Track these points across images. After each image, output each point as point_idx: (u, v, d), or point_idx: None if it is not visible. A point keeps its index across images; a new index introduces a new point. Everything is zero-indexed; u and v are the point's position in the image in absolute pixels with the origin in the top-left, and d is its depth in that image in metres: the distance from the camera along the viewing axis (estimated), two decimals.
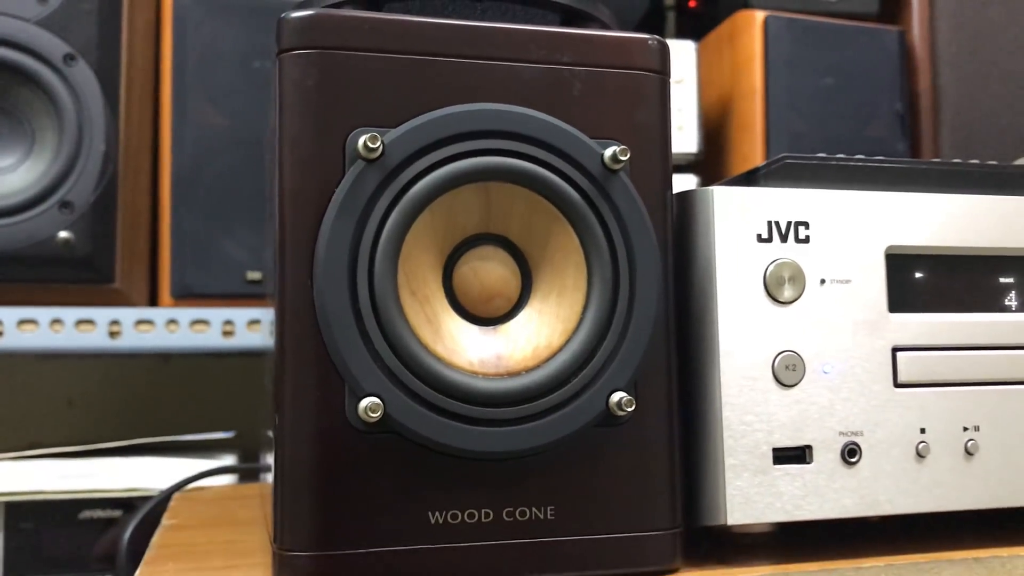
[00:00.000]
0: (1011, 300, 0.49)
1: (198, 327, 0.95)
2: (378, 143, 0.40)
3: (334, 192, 0.40)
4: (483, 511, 0.41)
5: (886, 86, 1.16)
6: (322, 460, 0.39)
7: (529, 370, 0.41)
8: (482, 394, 0.40)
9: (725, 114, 1.17)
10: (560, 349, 0.42)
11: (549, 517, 0.41)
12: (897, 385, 0.46)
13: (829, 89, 1.14)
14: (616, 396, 0.42)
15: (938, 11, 1.20)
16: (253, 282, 0.97)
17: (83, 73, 0.92)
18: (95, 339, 0.91)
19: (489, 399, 0.40)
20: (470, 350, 0.41)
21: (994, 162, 0.53)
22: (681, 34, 1.38)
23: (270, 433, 0.59)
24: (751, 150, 1.12)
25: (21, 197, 0.89)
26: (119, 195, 0.93)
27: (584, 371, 0.42)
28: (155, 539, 0.55)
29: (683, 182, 1.09)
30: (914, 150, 1.17)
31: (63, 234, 0.90)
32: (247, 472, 0.92)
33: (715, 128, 1.19)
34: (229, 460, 0.94)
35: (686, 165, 1.12)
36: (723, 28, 1.17)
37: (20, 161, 0.93)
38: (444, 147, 0.41)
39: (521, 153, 0.42)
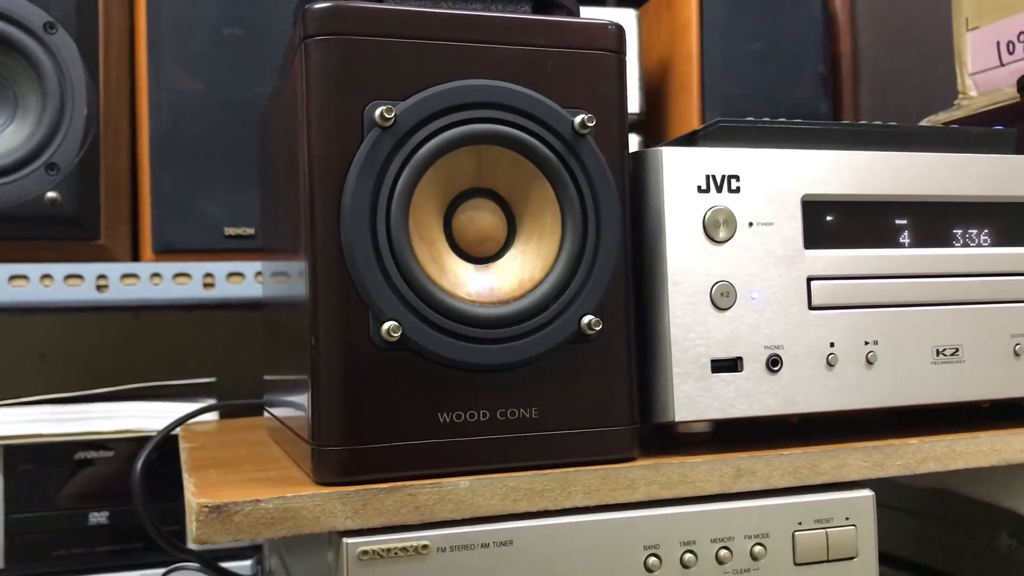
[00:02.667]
0: (904, 238, 0.60)
1: (180, 280, 1.01)
2: (392, 113, 0.48)
3: (354, 155, 0.48)
4: (481, 412, 0.50)
5: (811, 50, 1.25)
6: (351, 373, 0.48)
7: (516, 299, 0.51)
8: (479, 319, 0.50)
9: (664, 77, 1.26)
10: (540, 282, 0.51)
11: (533, 416, 0.51)
12: (811, 308, 0.57)
13: (759, 53, 1.23)
14: (586, 319, 0.51)
15: None
16: (232, 237, 1.03)
17: (63, 40, 0.97)
18: (83, 293, 0.96)
19: (484, 323, 0.50)
20: (468, 284, 0.51)
21: (894, 123, 0.64)
22: (623, 2, 1.46)
23: (272, 376, 0.67)
24: (688, 110, 1.21)
25: (9, 159, 0.93)
26: (101, 157, 0.98)
27: (560, 299, 0.51)
28: (185, 456, 0.63)
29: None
30: (836, 109, 1.28)
31: (50, 194, 0.95)
32: (229, 411, 0.99)
33: (655, 90, 1.28)
34: (211, 402, 1.01)
35: (629, 125, 1.21)
36: None
37: (4, 125, 0.97)
38: (445, 116, 0.49)
39: (506, 121, 0.51)
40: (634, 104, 1.20)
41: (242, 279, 1.02)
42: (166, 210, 1.00)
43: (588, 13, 1.19)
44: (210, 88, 1.02)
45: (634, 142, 1.19)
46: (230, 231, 1.03)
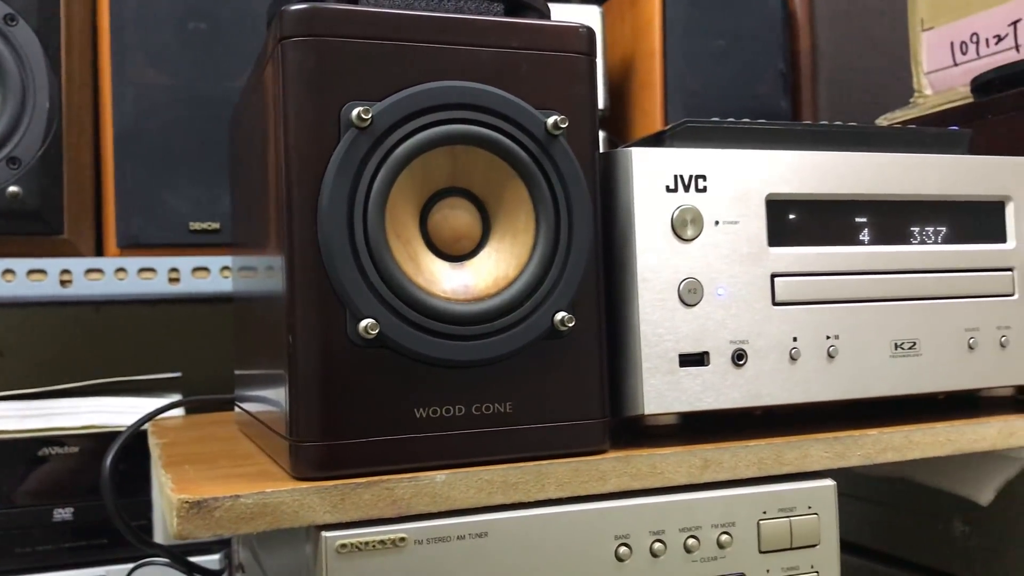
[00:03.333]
0: (864, 236, 0.62)
1: (145, 275, 1.01)
2: (369, 114, 0.49)
3: (331, 156, 0.49)
4: (456, 407, 0.51)
5: (771, 47, 1.27)
6: (328, 370, 0.49)
7: (491, 296, 0.52)
8: (455, 316, 0.51)
9: (628, 73, 1.28)
10: (515, 279, 0.52)
11: (508, 411, 0.52)
12: (775, 304, 0.58)
13: (720, 50, 1.25)
14: (559, 315, 0.53)
15: None
16: (197, 232, 1.03)
17: (24, 34, 0.96)
18: (46, 288, 0.96)
19: (460, 319, 0.51)
20: (444, 281, 0.52)
21: (854, 123, 0.66)
22: None
23: (244, 371, 0.68)
24: (652, 107, 1.23)
25: None
26: (64, 150, 0.98)
27: (534, 296, 0.52)
28: (158, 452, 0.64)
29: None
30: (795, 106, 1.30)
31: (12, 188, 0.94)
32: (197, 406, 0.99)
33: (619, 86, 1.29)
34: (177, 397, 1.01)
35: None
36: None
37: None
38: (420, 117, 0.50)
39: (481, 121, 0.51)
40: (599, 100, 1.21)
41: (207, 274, 1.02)
42: (131, 205, 1.00)
43: (553, 10, 1.20)
44: (175, 82, 1.02)
45: (599, 138, 1.21)
46: (195, 226, 1.03)
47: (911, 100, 1.14)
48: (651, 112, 1.23)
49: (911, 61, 1.15)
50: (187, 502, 0.46)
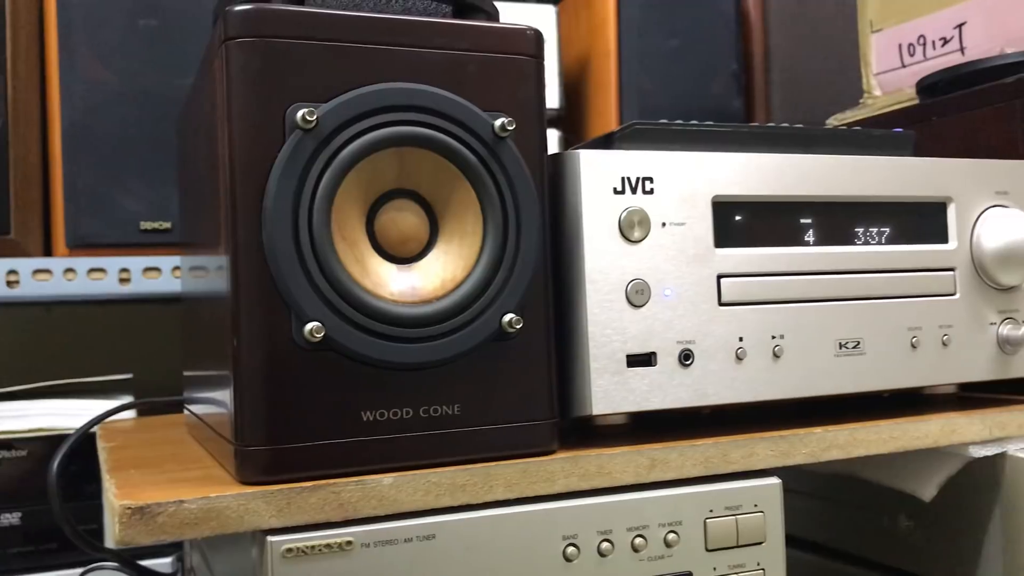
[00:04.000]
0: (809, 237, 0.63)
1: (95, 275, 1.00)
2: (314, 116, 0.49)
3: (276, 157, 0.49)
4: (404, 409, 0.51)
5: (724, 48, 1.29)
6: (273, 373, 0.49)
7: (438, 298, 0.52)
8: (402, 318, 0.51)
9: (583, 73, 1.28)
10: (462, 282, 0.52)
11: (456, 413, 0.52)
12: (721, 304, 0.59)
13: (675, 50, 1.26)
14: (507, 317, 0.53)
15: None
16: (148, 231, 1.02)
17: None
18: None
19: (407, 322, 0.51)
20: (391, 283, 0.51)
21: (800, 125, 0.66)
22: None
23: (192, 372, 0.67)
24: (606, 106, 1.23)
25: None
26: (10, 148, 0.96)
27: (482, 298, 0.52)
28: (104, 456, 0.63)
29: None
30: (748, 106, 1.32)
31: None
32: (148, 408, 0.98)
33: (574, 86, 1.30)
34: (127, 399, 1.00)
35: (548, 120, 1.22)
36: None
37: None
38: (367, 119, 0.50)
39: (428, 123, 0.51)
40: (553, 100, 1.21)
41: (159, 274, 1.01)
42: (80, 204, 0.98)
43: (508, 9, 1.20)
44: (125, 80, 1.00)
45: (554, 137, 1.21)
46: (146, 225, 1.02)
47: (861, 101, 1.16)
48: (606, 112, 1.24)
49: (861, 62, 1.17)
50: (129, 508, 0.45)
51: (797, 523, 0.84)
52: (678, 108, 1.24)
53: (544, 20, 1.21)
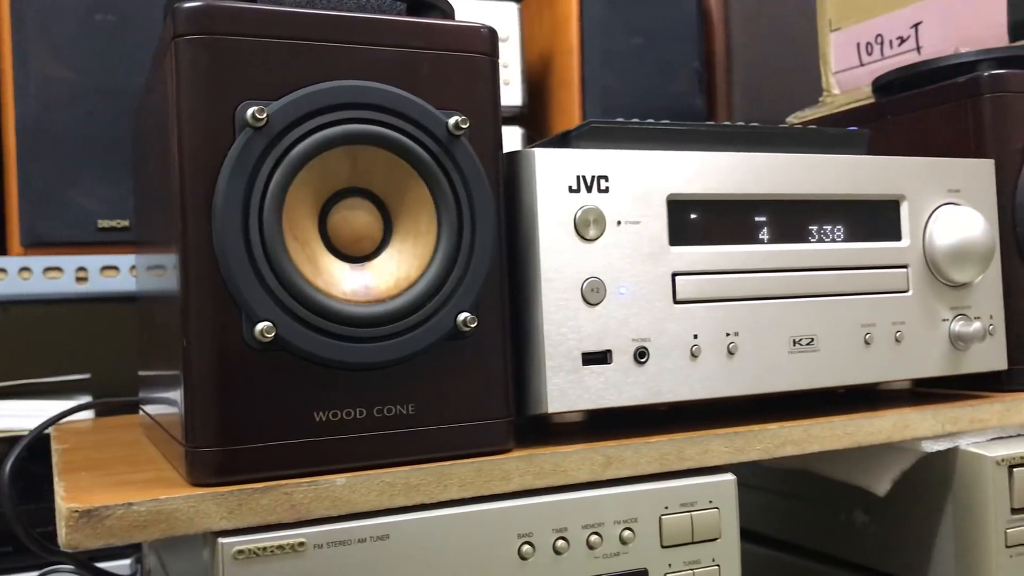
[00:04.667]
0: (763, 235, 0.63)
1: (51, 274, 0.98)
2: (264, 114, 0.48)
3: (226, 155, 0.48)
4: (357, 410, 0.51)
5: (686, 46, 1.29)
6: (224, 374, 0.48)
7: (392, 298, 0.52)
8: (355, 318, 0.50)
9: (546, 70, 1.29)
10: (416, 281, 0.52)
11: (410, 412, 0.52)
12: (676, 302, 0.59)
13: (637, 48, 1.26)
14: (462, 316, 0.53)
15: None
16: (106, 229, 1.01)
17: None
18: None
19: (360, 321, 0.50)
20: (344, 283, 0.51)
21: (756, 124, 0.67)
22: None
23: (147, 372, 0.66)
24: (569, 103, 1.24)
25: None
26: None
27: (436, 297, 0.52)
28: (56, 459, 0.62)
29: (509, 133, 1.20)
30: (710, 104, 1.32)
31: None
32: (104, 409, 0.97)
33: (537, 83, 1.30)
34: (86, 399, 0.99)
35: (512, 117, 1.23)
36: None
37: None
38: (318, 116, 0.50)
39: (381, 121, 0.51)
40: (517, 97, 1.22)
41: (117, 272, 1.00)
42: (35, 202, 0.97)
43: (471, 6, 1.20)
44: (82, 76, 0.99)
45: (517, 134, 1.21)
46: (104, 223, 1.01)
47: (820, 99, 1.17)
48: (569, 109, 1.24)
49: (820, 61, 1.18)
50: (76, 511, 0.45)
51: (755, 518, 0.85)
52: (640, 106, 1.25)
53: (507, 17, 1.21)
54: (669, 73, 1.28)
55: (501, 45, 1.19)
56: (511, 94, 1.21)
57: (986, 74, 0.73)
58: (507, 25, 1.21)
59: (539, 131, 1.29)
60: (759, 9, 1.37)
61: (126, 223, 1.01)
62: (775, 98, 1.33)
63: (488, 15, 1.19)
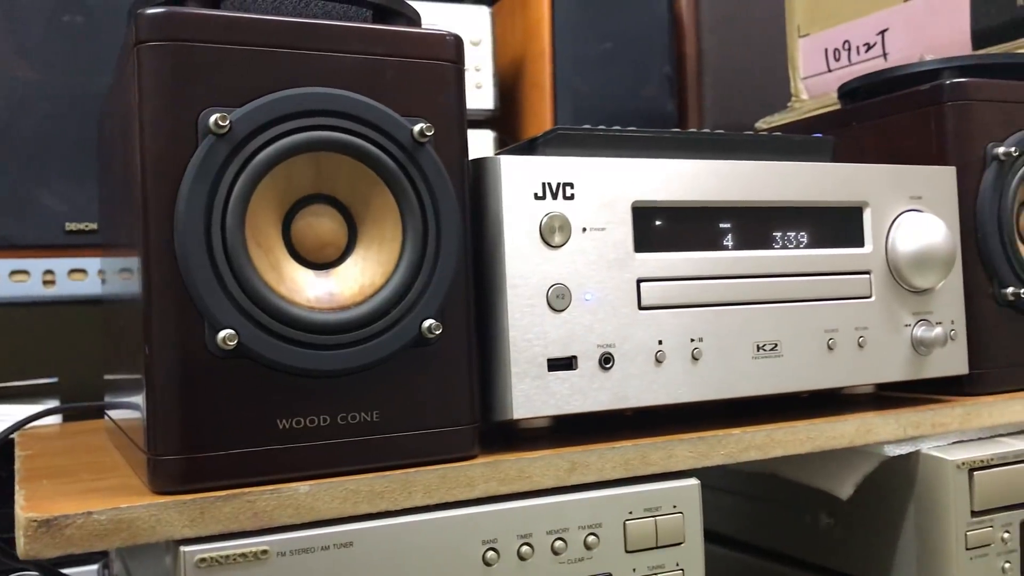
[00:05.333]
0: (727, 241, 0.64)
1: (18, 277, 0.98)
2: (227, 121, 0.48)
3: (189, 162, 0.48)
4: (321, 417, 0.51)
5: (657, 50, 1.30)
6: (186, 382, 0.48)
7: (356, 304, 0.52)
8: (318, 325, 0.50)
9: (518, 74, 1.29)
10: (381, 287, 0.52)
11: (375, 419, 0.52)
12: (641, 308, 0.60)
13: (609, 53, 1.27)
14: (426, 323, 0.53)
15: None
16: (73, 232, 1.00)
17: None
18: None
19: (324, 328, 0.50)
20: (307, 290, 0.51)
21: (721, 131, 0.67)
22: None
23: (112, 376, 0.66)
24: (541, 107, 1.24)
25: None
26: None
27: (401, 304, 0.52)
28: (18, 466, 0.61)
29: (481, 137, 1.20)
30: (681, 108, 1.33)
31: None
32: (72, 413, 0.96)
33: (510, 86, 1.30)
34: (53, 403, 0.98)
35: (484, 121, 1.23)
36: None
37: None
38: (281, 123, 0.50)
39: (345, 128, 0.51)
40: (489, 100, 1.22)
41: (84, 276, 1.00)
42: (1, 204, 0.96)
43: (443, 10, 1.20)
44: (48, 77, 0.98)
45: (489, 138, 1.21)
46: (71, 226, 1.00)
47: (788, 104, 1.18)
48: (541, 113, 1.24)
49: (789, 66, 1.19)
50: (35, 521, 0.44)
51: (722, 521, 0.86)
52: (612, 110, 1.25)
53: (479, 21, 1.21)
54: (640, 77, 1.28)
55: (473, 49, 1.20)
56: (483, 98, 1.21)
57: (948, 82, 0.74)
58: (479, 29, 1.21)
59: (511, 135, 1.29)
60: (730, 14, 1.38)
61: (94, 226, 1.00)
62: (746, 102, 1.34)
63: (460, 18, 1.19)
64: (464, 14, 1.20)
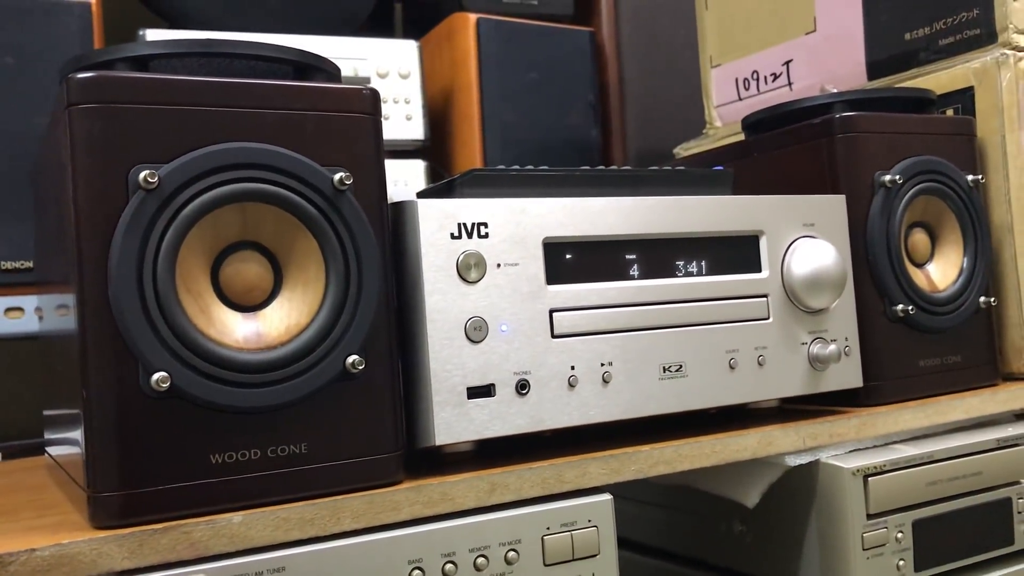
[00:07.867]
0: (633, 271, 0.68)
1: None
2: (155, 177, 0.51)
3: (120, 216, 0.51)
4: (252, 450, 0.54)
5: (581, 80, 1.35)
6: (122, 422, 0.51)
7: (283, 344, 0.55)
8: (247, 364, 0.54)
9: (447, 105, 1.33)
10: (307, 327, 0.56)
11: (303, 451, 0.55)
12: (554, 336, 0.64)
13: (534, 83, 1.32)
14: (350, 358, 0.56)
15: (621, 14, 1.41)
16: (9, 271, 1.01)
17: None
18: None
19: (253, 368, 0.54)
20: (236, 331, 0.55)
21: (627, 167, 0.72)
22: (408, 24, 1.52)
23: (52, 412, 0.68)
24: (471, 137, 1.28)
25: None
26: None
27: (325, 342, 0.56)
28: None
29: (413, 167, 1.24)
30: (605, 135, 1.38)
31: None
32: (9, 451, 0.97)
33: (439, 117, 1.34)
34: None
35: (415, 151, 1.27)
36: (442, 27, 1.32)
37: None
38: (207, 177, 0.53)
39: (268, 180, 0.55)
40: (419, 131, 1.25)
41: (21, 314, 1.01)
42: None
43: (372, 45, 1.23)
44: None
45: (420, 167, 1.25)
46: (7, 265, 1.01)
47: (703, 131, 1.24)
48: (470, 142, 1.28)
49: (703, 95, 1.25)
50: None
51: (643, 530, 0.91)
52: (539, 138, 1.30)
53: (407, 55, 1.25)
54: (565, 106, 1.33)
55: (403, 81, 1.24)
56: (413, 128, 1.25)
57: (838, 116, 0.80)
58: (408, 62, 1.24)
59: (443, 163, 1.33)
60: (650, 43, 1.44)
61: (30, 264, 1.02)
62: (666, 129, 1.40)
63: (390, 52, 1.23)
64: (393, 48, 1.24)
